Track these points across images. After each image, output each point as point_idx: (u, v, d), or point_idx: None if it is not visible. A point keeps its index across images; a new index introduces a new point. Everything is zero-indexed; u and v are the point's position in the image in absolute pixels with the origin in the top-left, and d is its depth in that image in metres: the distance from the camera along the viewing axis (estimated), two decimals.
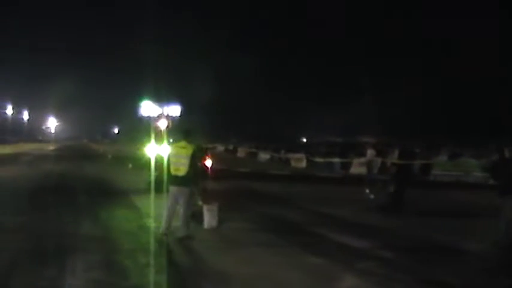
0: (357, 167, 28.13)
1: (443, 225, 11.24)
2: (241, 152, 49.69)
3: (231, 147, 55.12)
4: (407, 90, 59.30)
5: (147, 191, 9.67)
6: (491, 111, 50.87)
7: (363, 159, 27.35)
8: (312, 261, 7.96)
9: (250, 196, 16.55)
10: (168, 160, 9.49)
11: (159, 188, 11.74)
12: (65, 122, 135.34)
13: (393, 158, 24.81)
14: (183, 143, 9.49)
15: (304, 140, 78.30)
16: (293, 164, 35.49)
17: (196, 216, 10.76)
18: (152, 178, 13.71)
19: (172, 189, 9.45)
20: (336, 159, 31.72)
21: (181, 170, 9.24)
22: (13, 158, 36.85)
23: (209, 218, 10.35)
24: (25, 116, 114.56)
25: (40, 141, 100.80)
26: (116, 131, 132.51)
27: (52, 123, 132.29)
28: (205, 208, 10.43)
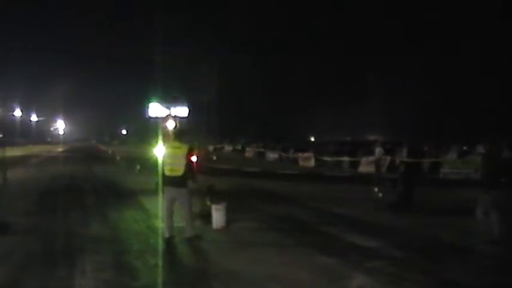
0: (366, 166, 28.06)
1: (452, 223, 11.16)
2: (249, 152, 49.67)
3: (239, 147, 55.13)
4: (416, 88, 59.11)
5: (155, 191, 9.69)
6: (501, 108, 50.55)
7: (371, 158, 27.26)
8: (321, 261, 7.93)
9: (259, 196, 16.54)
10: (162, 161, 9.37)
11: None
12: (73, 124, 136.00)
13: (402, 156, 24.81)
14: (177, 143, 9.42)
15: (312, 139, 78.05)
16: (301, 163, 35.44)
17: (204, 216, 10.78)
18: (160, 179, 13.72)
19: (169, 190, 9.31)
20: (345, 158, 31.65)
21: (178, 170, 9.15)
22: (23, 160, 37.05)
23: (217, 218, 10.34)
24: (33, 118, 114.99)
25: (49, 143, 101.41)
26: (124, 132, 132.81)
27: (60, 125, 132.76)
28: (213, 208, 10.43)
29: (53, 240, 9.43)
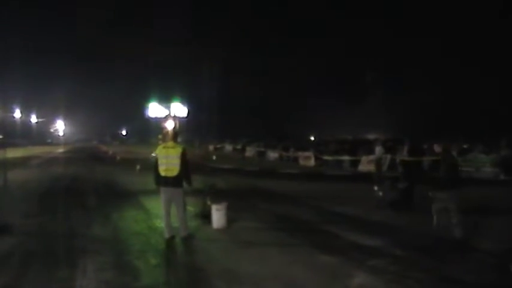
0: (366, 165, 28.02)
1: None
2: (249, 151, 49.59)
3: (239, 146, 55.04)
4: (416, 87, 59.20)
5: (155, 192, 9.69)
6: (502, 106, 50.65)
7: (371, 157, 27.25)
8: (323, 260, 7.93)
9: (260, 195, 16.53)
10: (156, 162, 9.37)
11: None
12: (73, 125, 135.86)
13: (402, 155, 24.83)
14: (170, 144, 9.42)
15: (312, 138, 78.08)
16: (301, 162, 35.39)
17: (205, 216, 10.80)
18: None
19: (165, 190, 9.33)
20: (345, 157, 31.62)
21: (174, 170, 9.16)
22: (23, 162, 37.04)
23: (218, 218, 10.35)
24: (33, 119, 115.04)
25: (49, 144, 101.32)
26: (124, 132, 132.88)
27: (60, 126, 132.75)
28: (213, 208, 10.43)
29: (54, 241, 9.45)
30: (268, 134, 64.33)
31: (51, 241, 9.48)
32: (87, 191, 17.58)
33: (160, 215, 9.79)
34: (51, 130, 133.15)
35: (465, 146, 26.41)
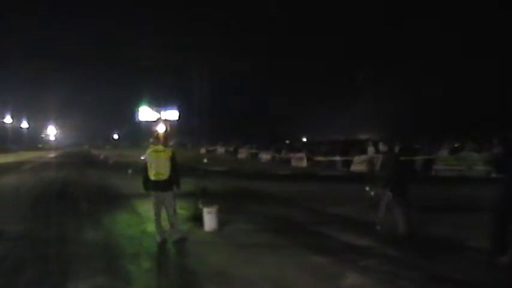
0: (358, 165, 28.11)
1: (446, 220, 11.16)
2: (242, 153, 49.64)
3: (231, 148, 55.06)
4: (407, 85, 59.36)
5: (147, 195, 9.69)
6: (491, 104, 50.85)
7: (363, 157, 27.36)
8: (315, 261, 7.94)
9: (252, 197, 16.53)
10: (146, 166, 9.36)
11: None
12: (65, 129, 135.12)
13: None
14: (160, 147, 9.42)
15: (304, 140, 78.10)
16: (294, 163, 35.45)
17: (197, 219, 10.79)
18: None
19: (155, 195, 9.32)
20: (337, 158, 31.67)
21: (164, 173, 9.17)
22: (15, 167, 36.88)
23: (209, 221, 10.35)
24: (24, 124, 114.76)
25: (40, 149, 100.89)
26: (116, 136, 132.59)
27: (52, 131, 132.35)
28: (205, 211, 10.43)
29: (46, 246, 9.42)
30: (261, 136, 64.30)
31: (43, 246, 9.45)
32: (79, 195, 17.51)
33: (152, 218, 9.77)
34: (43, 135, 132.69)
35: (456, 145, 26.46)
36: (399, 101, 59.35)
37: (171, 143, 11.20)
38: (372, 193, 14.71)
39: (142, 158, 10.01)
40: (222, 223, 10.56)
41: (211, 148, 61.37)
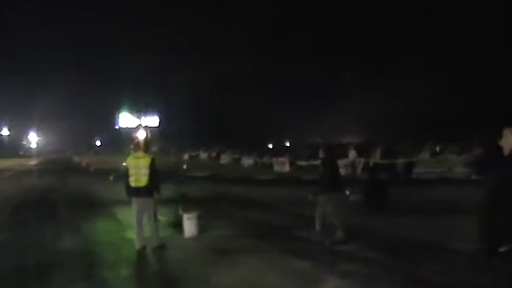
0: (340, 168, 28.15)
1: (426, 223, 11.18)
2: (224, 158, 49.58)
3: (214, 154, 54.97)
4: (389, 87, 59.64)
5: (128, 202, 9.62)
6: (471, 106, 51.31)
7: (345, 161, 27.43)
8: (295, 265, 7.91)
9: (234, 202, 16.46)
10: (127, 172, 9.33)
11: None
12: (46, 136, 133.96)
13: (375, 157, 25.09)
14: (140, 153, 9.39)
15: (288, 144, 78.12)
16: (276, 168, 35.42)
17: (177, 225, 10.74)
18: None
19: (136, 201, 9.28)
20: (319, 162, 31.67)
21: (143, 180, 9.12)
22: None
23: (189, 227, 10.29)
24: (5, 132, 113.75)
25: (22, 156, 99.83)
26: (98, 143, 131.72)
27: (33, 138, 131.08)
28: (184, 217, 10.38)
29: (24, 255, 9.30)
30: (243, 141, 64.23)
31: (21, 255, 9.32)
32: (59, 202, 17.36)
33: (132, 225, 9.70)
34: (24, 142, 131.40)
35: (437, 148, 26.70)
36: (383, 104, 59.65)
37: (153, 149, 11.11)
38: (353, 197, 14.77)
39: (124, 164, 9.96)
40: (202, 229, 10.51)
41: (194, 153, 61.17)
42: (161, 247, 9.31)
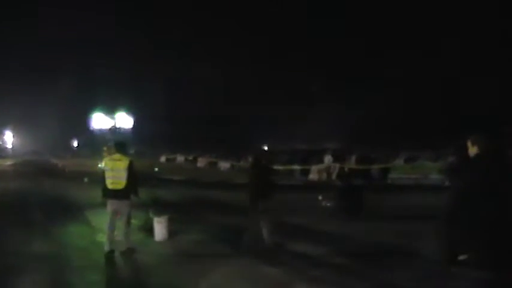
0: (316, 174, 28.25)
1: (399, 229, 11.22)
2: (201, 162, 49.47)
3: (190, 157, 54.79)
4: (367, 94, 59.92)
5: (101, 205, 9.53)
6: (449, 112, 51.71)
7: (321, 166, 27.54)
8: (264, 271, 7.90)
9: (208, 206, 16.40)
10: (104, 174, 9.24)
11: None
12: (23, 137, 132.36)
13: (351, 163, 25.24)
14: (118, 156, 9.31)
15: (266, 148, 78.12)
16: None
17: (147, 229, 10.66)
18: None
19: (111, 203, 9.20)
20: (296, 167, 31.77)
21: (121, 183, 9.05)
22: None
23: (160, 231, 10.24)
24: None
25: None
26: (76, 144, 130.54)
27: (9, 138, 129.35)
28: (155, 221, 10.33)
29: None
30: (223, 145, 64.11)
31: None
32: (32, 205, 17.10)
33: (104, 229, 9.59)
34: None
35: (411, 154, 26.92)
36: (361, 109, 59.93)
37: (131, 151, 11.06)
38: (328, 203, 14.82)
39: (99, 166, 9.88)
40: (174, 233, 10.46)
41: (170, 156, 60.90)
42: (130, 251, 9.22)
